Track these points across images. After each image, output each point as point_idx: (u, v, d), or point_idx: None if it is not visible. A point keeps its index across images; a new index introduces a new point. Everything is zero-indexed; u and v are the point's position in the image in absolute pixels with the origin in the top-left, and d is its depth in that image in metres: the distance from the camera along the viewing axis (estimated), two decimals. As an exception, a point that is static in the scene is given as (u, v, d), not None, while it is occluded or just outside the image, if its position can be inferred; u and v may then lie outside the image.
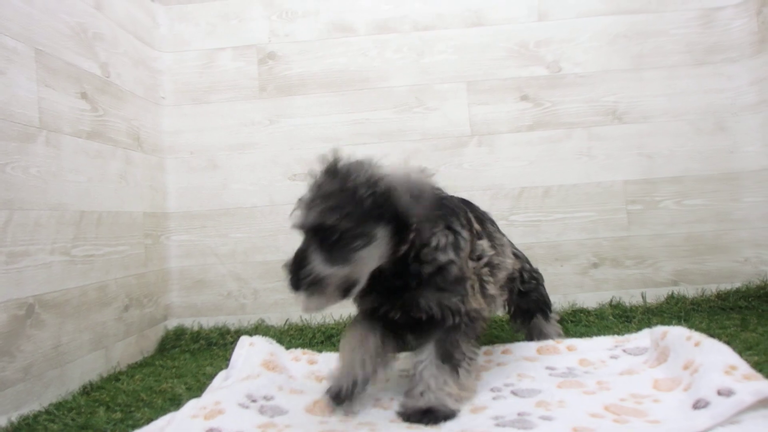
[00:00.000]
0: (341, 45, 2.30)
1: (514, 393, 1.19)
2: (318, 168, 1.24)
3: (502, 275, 1.43)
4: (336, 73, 2.30)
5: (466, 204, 1.50)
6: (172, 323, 2.30)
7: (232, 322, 2.31)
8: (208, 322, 2.30)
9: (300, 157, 2.32)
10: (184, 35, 2.33)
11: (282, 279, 2.23)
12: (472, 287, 1.26)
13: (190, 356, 2.07)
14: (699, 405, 0.99)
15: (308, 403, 1.23)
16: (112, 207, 1.91)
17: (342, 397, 1.24)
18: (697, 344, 1.17)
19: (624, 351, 1.43)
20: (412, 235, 1.19)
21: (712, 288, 2.19)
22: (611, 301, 2.21)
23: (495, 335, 1.98)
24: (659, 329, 1.35)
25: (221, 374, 1.53)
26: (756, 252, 2.20)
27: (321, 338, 2.16)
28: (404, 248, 1.19)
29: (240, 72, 2.32)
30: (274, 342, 1.66)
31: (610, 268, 2.25)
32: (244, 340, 1.56)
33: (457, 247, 1.24)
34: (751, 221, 2.20)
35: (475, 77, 2.28)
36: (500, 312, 1.75)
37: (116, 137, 1.97)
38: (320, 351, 1.76)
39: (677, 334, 1.26)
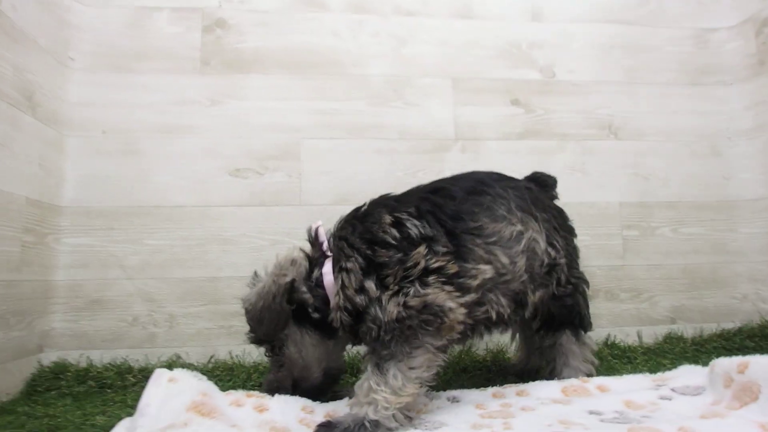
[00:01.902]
0: (309, 21, 1.98)
1: None
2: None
3: (474, 283, 1.23)
4: (301, 52, 1.96)
5: (428, 198, 1.34)
6: (49, 357, 1.73)
7: (136, 357, 1.77)
8: (103, 356, 1.76)
9: (247, 149, 1.91)
10: (109, -14, 1.89)
11: (207, 303, 1.82)
12: (399, 293, 1.17)
13: (73, 402, 1.53)
14: None
15: None
16: (-22, 181, 1.38)
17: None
18: None
19: (673, 390, 1.23)
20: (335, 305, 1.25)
21: (711, 327, 2.01)
22: (606, 339, 1.94)
23: (485, 377, 1.64)
24: (731, 361, 1.12)
25: (123, 423, 1.12)
26: (754, 288, 2.05)
27: (258, 379, 1.70)
28: (342, 317, 1.24)
29: (179, 39, 1.91)
30: (204, 378, 1.25)
31: (603, 302, 2.00)
32: (161, 375, 1.16)
33: (343, 286, 1.24)
34: (747, 254, 2.08)
35: (461, 74, 2.04)
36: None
37: (0, 86, 1.46)
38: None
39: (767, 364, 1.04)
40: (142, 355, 1.79)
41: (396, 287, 1.17)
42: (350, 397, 1.19)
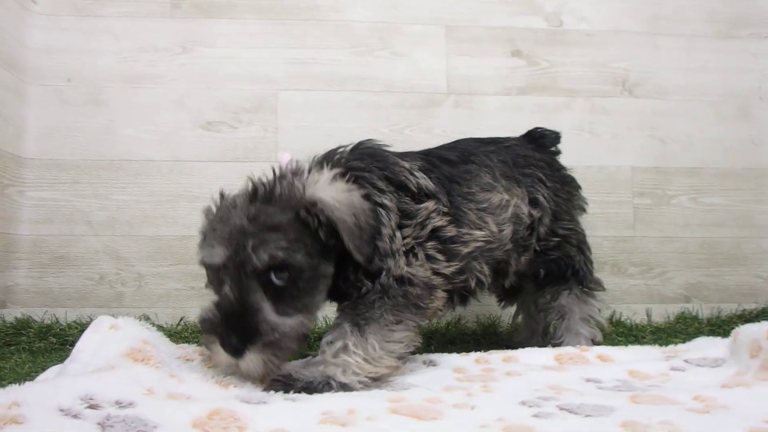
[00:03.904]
0: (287, -41, 1.80)
1: (565, 409, 0.85)
2: (226, 195, 1.09)
3: (464, 250, 1.19)
4: (278, -5, 1.79)
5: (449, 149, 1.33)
6: (12, 312, 1.68)
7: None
8: (68, 315, 1.70)
9: (219, 100, 1.78)
10: None
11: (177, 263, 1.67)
12: (409, 253, 1.09)
13: (29, 356, 1.47)
14: None
15: (198, 414, 0.79)
16: None
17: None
18: None
19: (687, 362, 1.12)
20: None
21: (731, 307, 1.81)
22: (612, 317, 1.76)
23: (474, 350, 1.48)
24: (760, 328, 1.02)
25: (53, 369, 1.07)
26: (782, 266, 1.82)
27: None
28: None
29: (148, -20, 1.76)
30: (153, 328, 1.17)
31: (609, 276, 1.81)
32: (102, 322, 1.09)
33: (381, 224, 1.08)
34: (776, 229, 1.83)
35: (456, 21, 1.84)
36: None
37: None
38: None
39: None
40: (109, 315, 1.69)
41: (411, 243, 1.09)
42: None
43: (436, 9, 1.83)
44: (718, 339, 1.23)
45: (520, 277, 1.38)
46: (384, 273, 1.05)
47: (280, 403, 0.89)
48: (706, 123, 1.88)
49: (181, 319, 1.71)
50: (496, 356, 1.22)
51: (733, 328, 1.69)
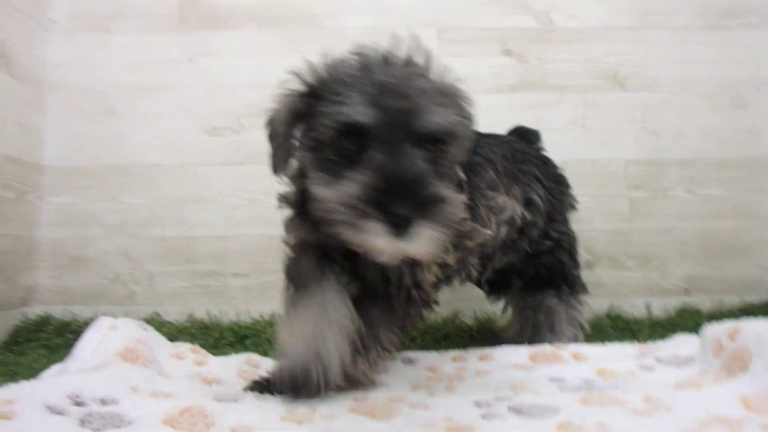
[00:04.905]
0: (285, -28, 1.89)
1: (514, 410, 0.86)
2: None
3: (469, 244, 1.15)
4: (275, 5, 1.90)
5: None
6: (34, 310, 1.79)
7: (116, 313, 1.75)
8: (84, 312, 1.80)
9: (222, 107, 1.87)
10: (88, -55, 1.89)
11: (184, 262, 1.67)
12: None
13: (46, 352, 1.56)
14: None
15: (171, 412, 0.83)
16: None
17: (309, 385, 0.91)
18: None
19: (657, 360, 1.11)
20: None
21: (732, 300, 1.79)
22: (609, 311, 1.76)
23: (466, 345, 1.51)
24: (722, 327, 1.00)
25: (55, 367, 1.12)
26: (784, 256, 1.79)
27: (231, 339, 1.68)
28: None
29: (156, -4, 1.88)
30: (150, 329, 1.24)
31: (606, 270, 1.82)
32: (103, 322, 1.16)
33: None
34: (777, 218, 1.81)
35: (447, 24, 1.90)
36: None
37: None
38: (227, 354, 1.35)
39: (760, 330, 0.90)
40: (122, 312, 1.80)
41: None
42: None
43: (428, 12, 1.90)
44: (693, 337, 1.21)
45: (504, 273, 1.39)
46: (408, 272, 1.00)
47: (250, 401, 0.94)
48: (699, 114, 1.88)
49: (188, 316, 1.79)
50: (473, 354, 1.25)
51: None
